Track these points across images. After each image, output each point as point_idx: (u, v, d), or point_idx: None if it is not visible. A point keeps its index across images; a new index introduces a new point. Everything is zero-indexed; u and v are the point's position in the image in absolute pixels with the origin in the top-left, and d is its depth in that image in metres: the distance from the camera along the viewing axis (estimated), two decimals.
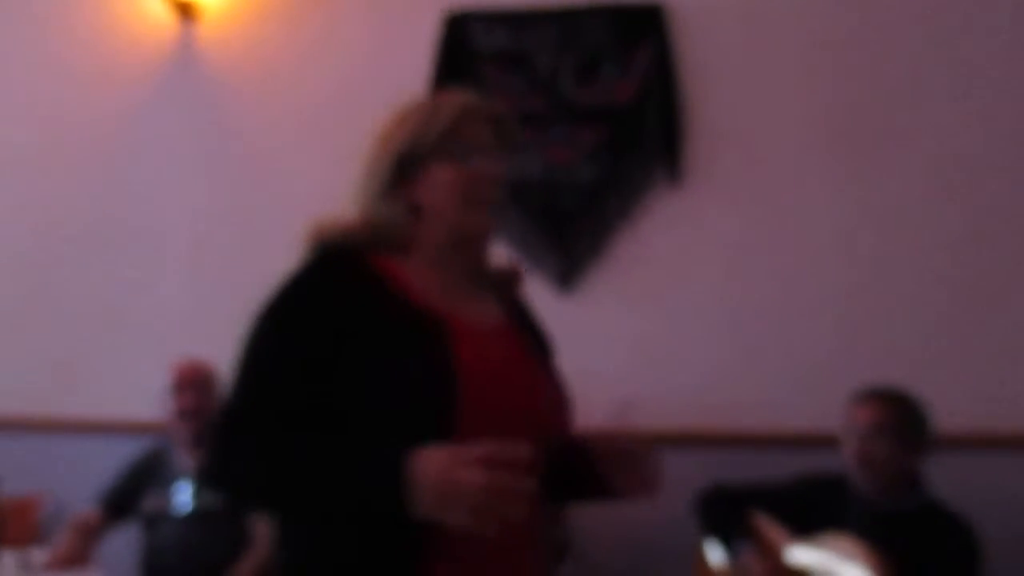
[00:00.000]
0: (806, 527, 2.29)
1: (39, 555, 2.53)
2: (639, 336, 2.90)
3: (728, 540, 2.35)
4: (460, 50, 3.07)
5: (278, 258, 3.16)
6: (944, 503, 2.39)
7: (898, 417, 2.33)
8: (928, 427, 2.36)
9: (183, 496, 2.77)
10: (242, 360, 1.31)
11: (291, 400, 1.25)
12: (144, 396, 2.90)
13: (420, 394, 1.22)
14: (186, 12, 3.17)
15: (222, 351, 2.89)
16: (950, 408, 2.45)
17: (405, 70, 3.06)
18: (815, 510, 2.35)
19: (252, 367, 1.30)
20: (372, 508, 1.18)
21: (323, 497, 1.22)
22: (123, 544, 2.82)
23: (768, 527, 2.33)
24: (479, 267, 1.42)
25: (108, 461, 2.88)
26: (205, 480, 1.35)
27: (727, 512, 2.39)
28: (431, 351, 1.25)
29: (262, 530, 2.71)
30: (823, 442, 2.42)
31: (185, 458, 2.83)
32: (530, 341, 1.43)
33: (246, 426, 1.26)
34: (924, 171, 2.85)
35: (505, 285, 1.46)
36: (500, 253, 1.46)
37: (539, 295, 2.92)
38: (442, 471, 1.12)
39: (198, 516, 2.74)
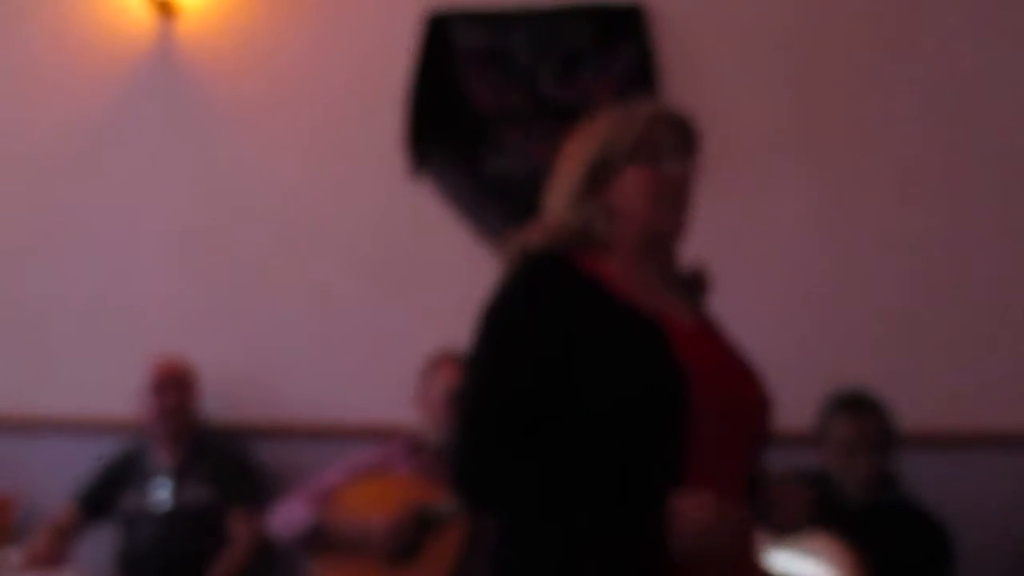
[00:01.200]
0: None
1: (14, 555, 2.51)
2: None
3: None
4: (441, 49, 3.07)
5: (257, 255, 3.19)
6: (917, 500, 2.43)
7: (876, 429, 2.40)
8: (896, 428, 2.42)
9: (161, 494, 2.76)
10: (475, 365, 1.37)
11: (532, 406, 1.30)
12: (121, 394, 2.89)
13: (654, 395, 1.28)
14: (165, 9, 3.15)
15: (200, 348, 2.93)
16: (916, 405, 2.51)
17: (386, 69, 3.05)
18: None
19: (489, 375, 1.34)
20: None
21: (583, 519, 1.28)
22: (100, 543, 2.80)
23: None
24: (669, 268, 1.49)
25: (84, 460, 2.87)
26: (463, 491, 1.39)
27: None
28: (657, 352, 1.32)
29: (241, 528, 2.71)
30: (793, 441, 2.45)
31: (163, 456, 2.82)
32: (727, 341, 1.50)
33: (490, 433, 1.31)
34: (893, 172, 2.89)
35: (694, 287, 1.52)
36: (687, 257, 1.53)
37: None
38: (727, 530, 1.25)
39: (176, 514, 2.74)
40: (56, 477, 2.90)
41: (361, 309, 3.02)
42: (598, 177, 1.44)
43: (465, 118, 3.04)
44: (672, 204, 1.44)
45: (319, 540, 2.47)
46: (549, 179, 1.51)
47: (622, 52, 3.00)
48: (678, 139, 1.47)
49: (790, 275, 2.88)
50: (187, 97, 3.17)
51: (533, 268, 1.41)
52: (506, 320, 1.36)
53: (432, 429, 2.60)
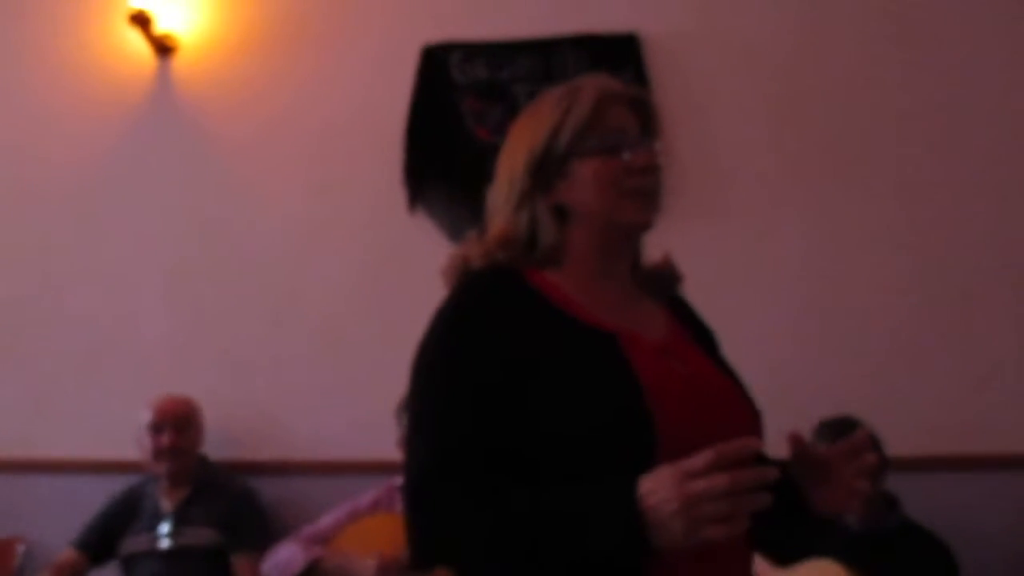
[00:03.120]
0: (788, 554, 2.29)
1: None
2: None
3: None
4: (439, 82, 3.08)
5: (257, 295, 3.17)
6: (920, 523, 2.42)
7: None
8: (884, 451, 2.40)
9: (162, 535, 2.72)
10: (417, 405, 1.19)
11: (479, 440, 1.12)
12: (122, 435, 2.86)
13: (614, 420, 1.10)
14: (163, 47, 3.17)
15: (201, 387, 2.91)
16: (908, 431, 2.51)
17: (384, 102, 3.06)
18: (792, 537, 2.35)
19: (431, 412, 1.16)
20: (614, 553, 1.04)
21: (557, 551, 1.07)
22: None
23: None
24: (633, 271, 1.31)
25: (85, 502, 2.84)
26: (415, 549, 1.17)
27: None
28: (613, 371, 1.14)
29: (244, 570, 2.67)
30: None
31: (163, 497, 2.80)
32: (701, 342, 1.32)
33: (446, 483, 1.12)
34: (892, 198, 2.89)
35: (662, 283, 1.34)
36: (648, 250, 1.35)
37: None
38: (680, 493, 1.00)
39: (177, 554, 2.70)
40: (57, 519, 2.88)
41: (362, 345, 3.01)
42: (544, 173, 1.23)
43: (464, 151, 3.04)
44: (637, 196, 1.23)
45: None
46: (491, 181, 1.30)
47: (619, 81, 3.00)
48: (632, 119, 1.27)
49: (786, 299, 2.87)
50: (186, 134, 3.18)
51: (472, 288, 1.22)
52: (446, 350, 1.18)
53: None
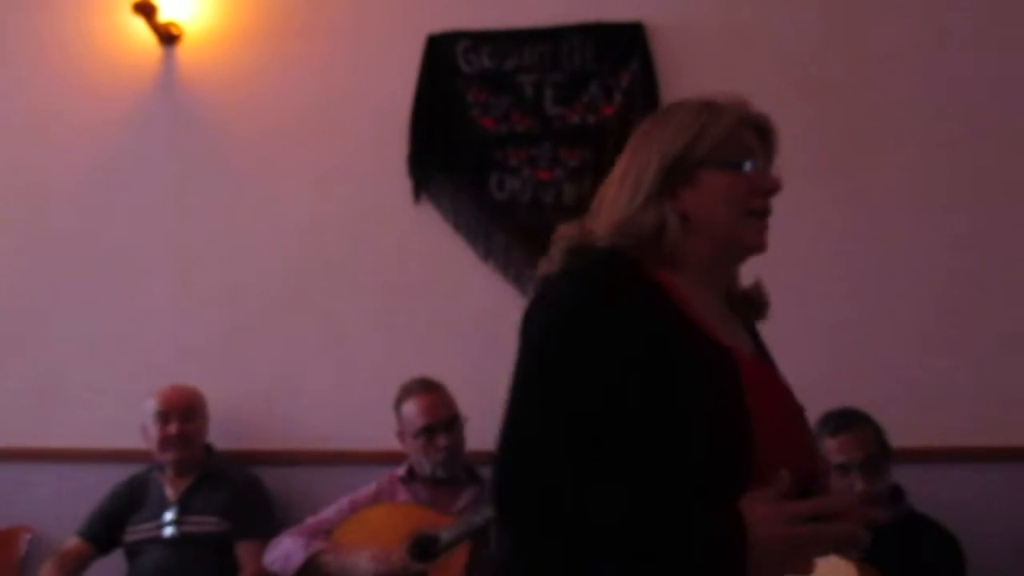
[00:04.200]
0: None
1: None
2: None
3: None
4: (444, 70, 3.07)
5: (263, 282, 3.16)
6: (926, 514, 2.42)
7: (864, 446, 2.38)
8: (888, 441, 2.42)
9: (166, 523, 2.73)
10: (537, 385, 1.17)
11: (596, 431, 1.13)
12: (128, 425, 2.87)
13: (720, 438, 1.13)
14: (167, 36, 3.16)
15: (204, 378, 2.91)
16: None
17: (389, 91, 3.05)
18: None
19: (552, 394, 1.15)
20: (711, 572, 1.10)
21: (658, 557, 1.10)
22: (107, 572, 2.77)
23: None
24: (730, 288, 1.35)
25: (91, 490, 2.85)
26: (523, 525, 1.17)
27: None
28: (726, 391, 1.16)
29: (249, 559, 2.68)
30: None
31: (168, 485, 2.80)
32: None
33: (553, 464, 1.13)
34: (907, 188, 2.86)
35: (748, 307, 1.37)
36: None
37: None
38: (787, 533, 1.09)
39: (182, 542, 2.71)
40: (62, 508, 2.89)
41: (367, 335, 3.00)
42: (672, 177, 1.26)
43: (469, 141, 3.03)
44: (756, 215, 1.28)
45: (314, 574, 2.44)
46: (613, 169, 1.32)
47: (625, 70, 2.99)
48: (762, 143, 1.32)
49: (809, 292, 2.83)
50: (190, 123, 3.17)
51: (600, 269, 1.22)
52: (573, 327, 1.17)
53: (418, 461, 2.61)
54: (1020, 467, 2.70)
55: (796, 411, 1.27)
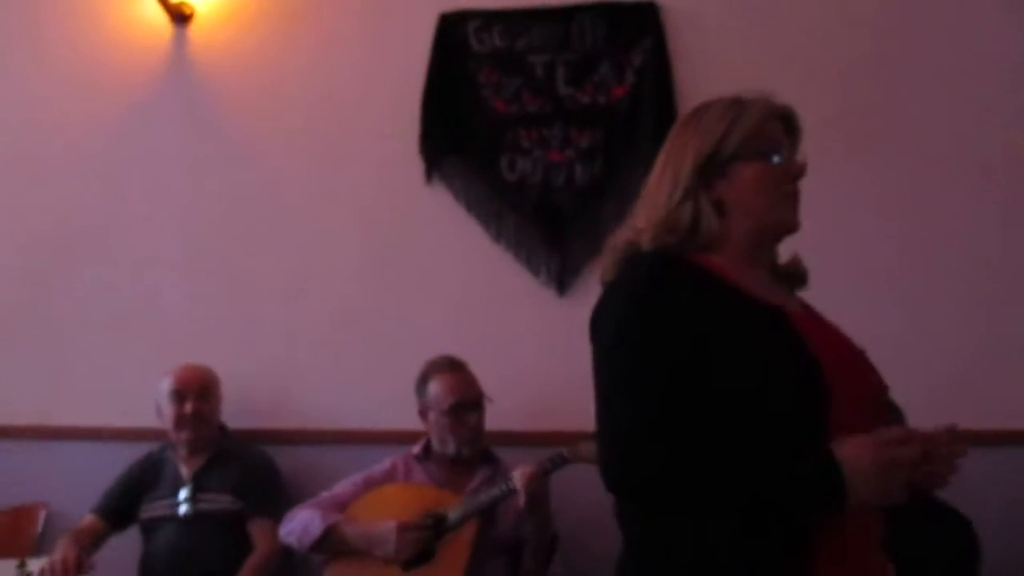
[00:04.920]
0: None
1: (37, 564, 2.52)
2: None
3: None
4: (456, 50, 3.06)
5: (274, 265, 3.17)
6: (940, 498, 2.40)
7: None
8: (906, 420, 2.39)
9: (181, 500, 2.76)
10: (619, 373, 1.30)
11: (675, 410, 1.26)
12: (141, 404, 2.89)
13: (795, 387, 1.25)
14: (179, 15, 3.16)
15: (218, 358, 2.93)
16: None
17: (401, 71, 3.04)
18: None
19: (633, 378, 1.28)
20: (810, 502, 1.22)
21: (761, 493, 1.23)
22: (122, 551, 2.80)
23: None
24: (771, 266, 1.48)
25: (106, 469, 2.87)
26: (634, 493, 1.33)
27: None
28: (790, 342, 1.29)
29: (262, 536, 2.70)
30: None
31: (182, 463, 2.83)
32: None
33: (654, 444, 1.25)
34: (939, 165, 2.84)
35: (790, 280, 1.50)
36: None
37: (535, 296, 2.95)
38: (877, 455, 1.20)
39: (196, 520, 2.73)
40: (78, 486, 2.91)
41: (379, 316, 3.01)
42: (707, 172, 1.41)
43: (480, 122, 3.02)
44: (791, 199, 1.43)
45: (330, 547, 2.47)
46: (652, 172, 1.46)
47: (637, 50, 2.97)
48: (788, 133, 1.47)
49: (832, 280, 2.79)
50: (202, 102, 3.17)
51: (651, 267, 1.37)
52: (638, 320, 1.31)
53: (441, 438, 2.60)
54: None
55: (857, 353, 1.39)
